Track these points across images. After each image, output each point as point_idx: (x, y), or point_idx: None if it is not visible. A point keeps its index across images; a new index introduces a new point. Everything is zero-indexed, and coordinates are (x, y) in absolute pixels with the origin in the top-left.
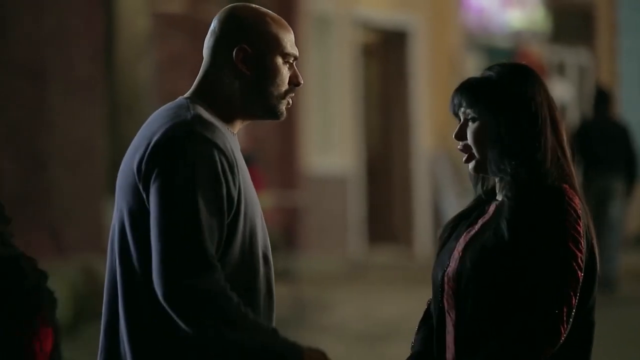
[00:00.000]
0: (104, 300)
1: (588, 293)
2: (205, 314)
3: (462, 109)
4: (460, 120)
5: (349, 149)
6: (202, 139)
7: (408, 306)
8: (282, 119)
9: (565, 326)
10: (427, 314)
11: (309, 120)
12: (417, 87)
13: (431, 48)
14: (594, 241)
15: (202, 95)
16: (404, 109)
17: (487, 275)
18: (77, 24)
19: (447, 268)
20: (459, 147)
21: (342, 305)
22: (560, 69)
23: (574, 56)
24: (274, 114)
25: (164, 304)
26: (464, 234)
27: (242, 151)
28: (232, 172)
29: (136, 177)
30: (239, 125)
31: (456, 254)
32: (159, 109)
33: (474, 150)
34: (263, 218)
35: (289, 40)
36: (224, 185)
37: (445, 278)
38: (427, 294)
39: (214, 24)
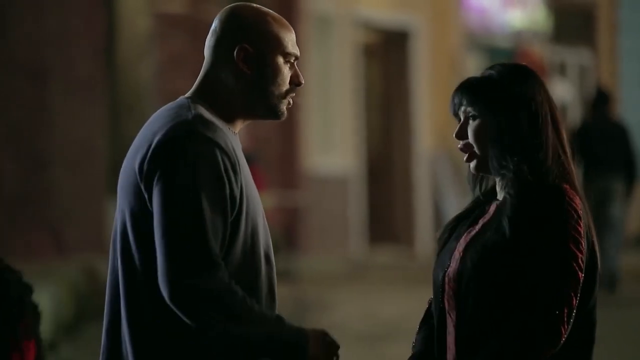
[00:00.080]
0: (106, 300)
1: (589, 293)
2: (212, 312)
3: (463, 108)
4: (460, 120)
5: (349, 149)
6: (203, 138)
7: (409, 306)
8: (283, 118)
9: (566, 327)
10: (428, 314)
11: (310, 120)
12: (418, 87)
13: (432, 48)
14: (595, 240)
15: (203, 95)
16: (405, 109)
17: (487, 275)
18: (77, 24)
19: (447, 269)
20: (459, 146)
21: (342, 305)
22: (561, 69)
23: (574, 56)
24: (275, 113)
25: (170, 304)
26: (465, 234)
27: (243, 151)
28: (234, 172)
29: (138, 177)
30: (240, 125)
31: (457, 254)
32: (160, 109)
33: (475, 149)
34: (265, 217)
35: (290, 39)
36: (226, 184)
37: (446, 279)
38: (427, 294)
39: (215, 24)
